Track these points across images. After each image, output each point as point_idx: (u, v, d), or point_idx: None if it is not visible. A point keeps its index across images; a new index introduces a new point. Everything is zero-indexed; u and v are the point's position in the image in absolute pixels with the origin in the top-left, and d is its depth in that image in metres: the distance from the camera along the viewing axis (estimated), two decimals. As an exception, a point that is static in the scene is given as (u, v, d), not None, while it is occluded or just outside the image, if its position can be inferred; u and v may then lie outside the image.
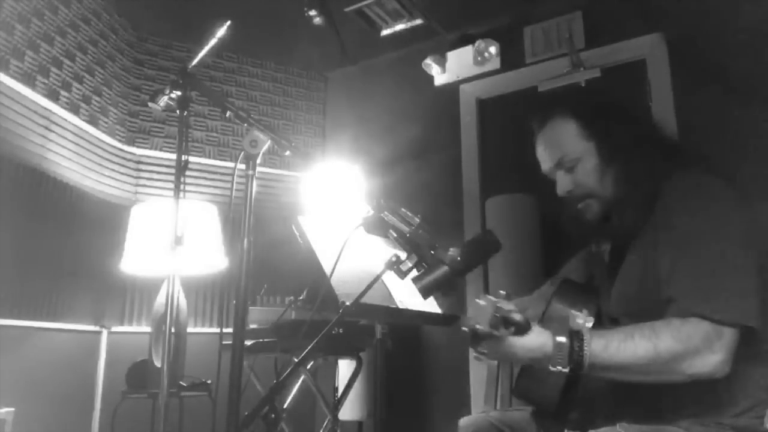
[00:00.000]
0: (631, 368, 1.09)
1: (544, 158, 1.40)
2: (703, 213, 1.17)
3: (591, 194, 1.33)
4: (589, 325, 1.18)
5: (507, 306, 1.03)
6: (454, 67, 3.21)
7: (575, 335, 1.11)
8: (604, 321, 1.33)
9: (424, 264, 1.11)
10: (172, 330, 1.44)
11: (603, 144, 1.32)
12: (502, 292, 1.04)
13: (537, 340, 1.12)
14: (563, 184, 1.36)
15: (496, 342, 1.11)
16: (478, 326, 1.03)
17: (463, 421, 1.47)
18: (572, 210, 1.38)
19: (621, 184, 1.29)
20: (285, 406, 2.45)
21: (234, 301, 1.24)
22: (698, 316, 1.07)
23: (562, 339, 1.10)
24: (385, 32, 3.24)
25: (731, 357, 1.07)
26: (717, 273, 1.10)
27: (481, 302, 1.04)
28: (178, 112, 1.41)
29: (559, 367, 1.10)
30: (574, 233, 1.44)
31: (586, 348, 1.09)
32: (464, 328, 1.06)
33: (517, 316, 1.03)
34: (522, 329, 1.03)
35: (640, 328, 1.10)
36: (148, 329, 2.72)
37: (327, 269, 1.43)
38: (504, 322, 1.03)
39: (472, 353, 1.05)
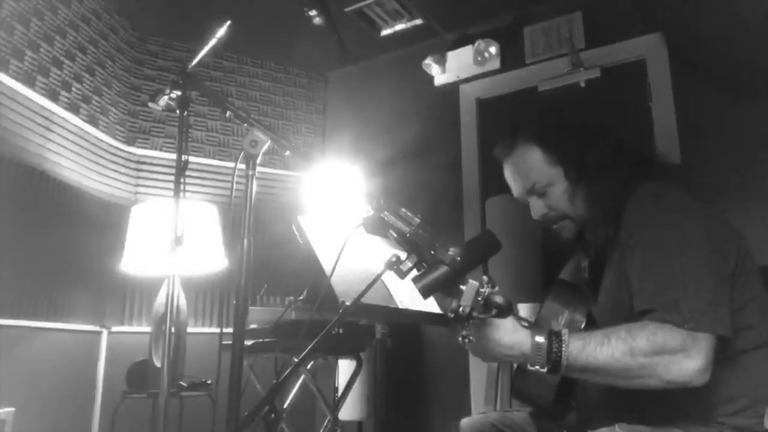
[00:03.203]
0: (609, 371, 1.09)
1: (515, 186, 1.44)
2: (663, 225, 1.18)
3: (565, 216, 1.38)
4: (581, 325, 1.19)
5: (490, 290, 1.04)
6: (454, 67, 3.21)
7: (554, 336, 1.11)
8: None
9: (424, 264, 1.11)
10: (172, 330, 1.44)
11: (569, 167, 1.36)
12: (485, 277, 1.04)
13: (514, 337, 1.13)
14: (537, 208, 1.40)
15: (478, 325, 1.11)
16: (460, 307, 1.04)
17: (464, 422, 1.48)
18: (549, 230, 1.43)
19: (590, 204, 1.33)
20: (285, 406, 2.45)
21: (234, 301, 1.24)
22: (670, 323, 1.07)
23: (540, 339, 1.11)
24: (385, 32, 3.24)
25: (709, 365, 1.06)
26: (681, 285, 1.10)
27: (464, 286, 1.04)
28: (178, 112, 1.41)
29: (537, 367, 1.11)
30: (553, 250, 1.50)
31: (564, 349, 1.09)
32: (449, 313, 1.07)
33: (499, 298, 1.03)
34: (503, 311, 1.04)
35: (616, 331, 1.10)
36: (148, 329, 2.72)
37: (327, 269, 1.42)
38: (486, 304, 1.03)
39: (457, 337, 1.08)
